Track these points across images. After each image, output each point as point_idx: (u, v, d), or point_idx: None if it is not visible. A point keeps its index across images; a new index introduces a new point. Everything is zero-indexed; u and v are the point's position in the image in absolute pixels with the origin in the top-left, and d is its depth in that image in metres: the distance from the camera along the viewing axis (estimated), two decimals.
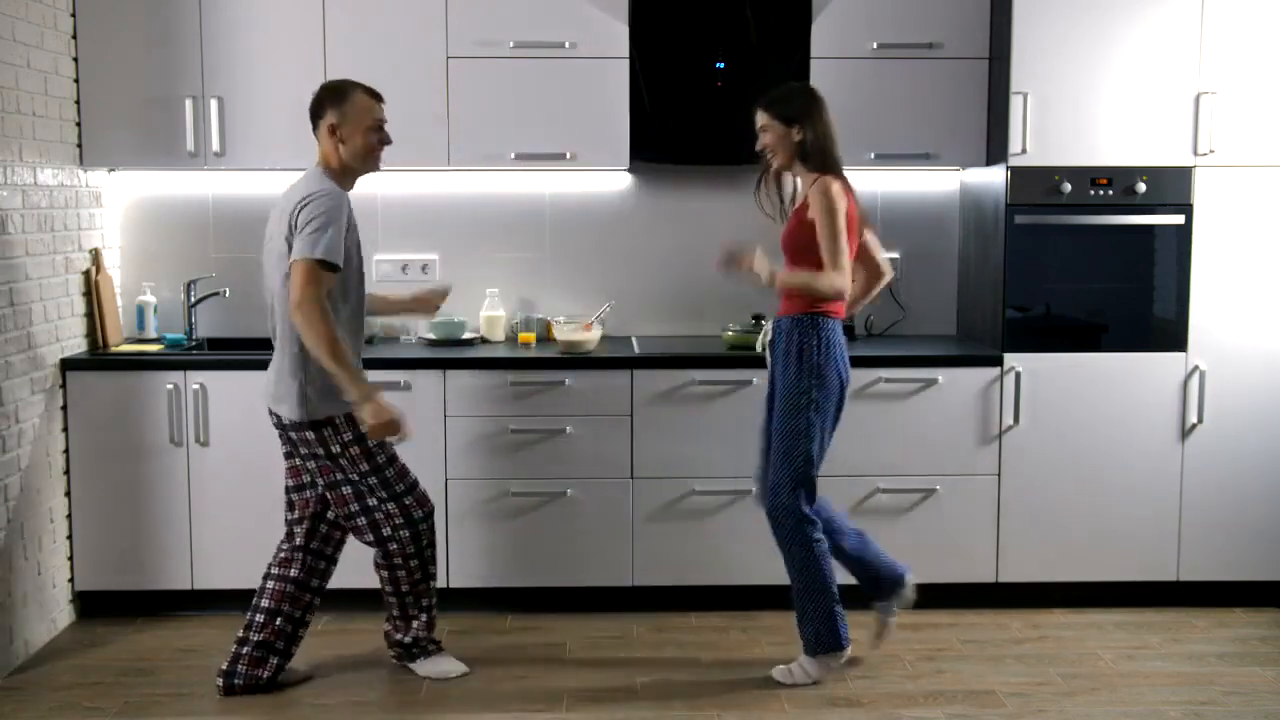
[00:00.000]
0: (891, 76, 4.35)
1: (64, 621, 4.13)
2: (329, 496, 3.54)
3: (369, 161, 3.50)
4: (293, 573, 3.58)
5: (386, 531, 3.54)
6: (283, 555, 3.61)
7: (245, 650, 3.56)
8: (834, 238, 3.47)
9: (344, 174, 3.49)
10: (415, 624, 3.69)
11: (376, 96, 3.51)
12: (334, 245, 3.30)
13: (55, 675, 3.75)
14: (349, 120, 3.44)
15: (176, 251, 4.62)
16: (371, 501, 3.52)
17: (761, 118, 3.61)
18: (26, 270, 3.87)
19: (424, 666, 3.71)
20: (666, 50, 4.37)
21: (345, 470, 3.49)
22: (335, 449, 3.46)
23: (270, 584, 3.58)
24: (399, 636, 3.72)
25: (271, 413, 3.52)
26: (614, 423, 4.17)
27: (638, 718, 3.46)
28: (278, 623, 3.57)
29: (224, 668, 3.57)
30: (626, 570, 4.22)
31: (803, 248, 3.55)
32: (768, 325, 3.75)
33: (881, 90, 4.36)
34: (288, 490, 3.62)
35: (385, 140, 3.51)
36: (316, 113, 3.48)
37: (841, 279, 3.49)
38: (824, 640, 3.62)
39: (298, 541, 3.59)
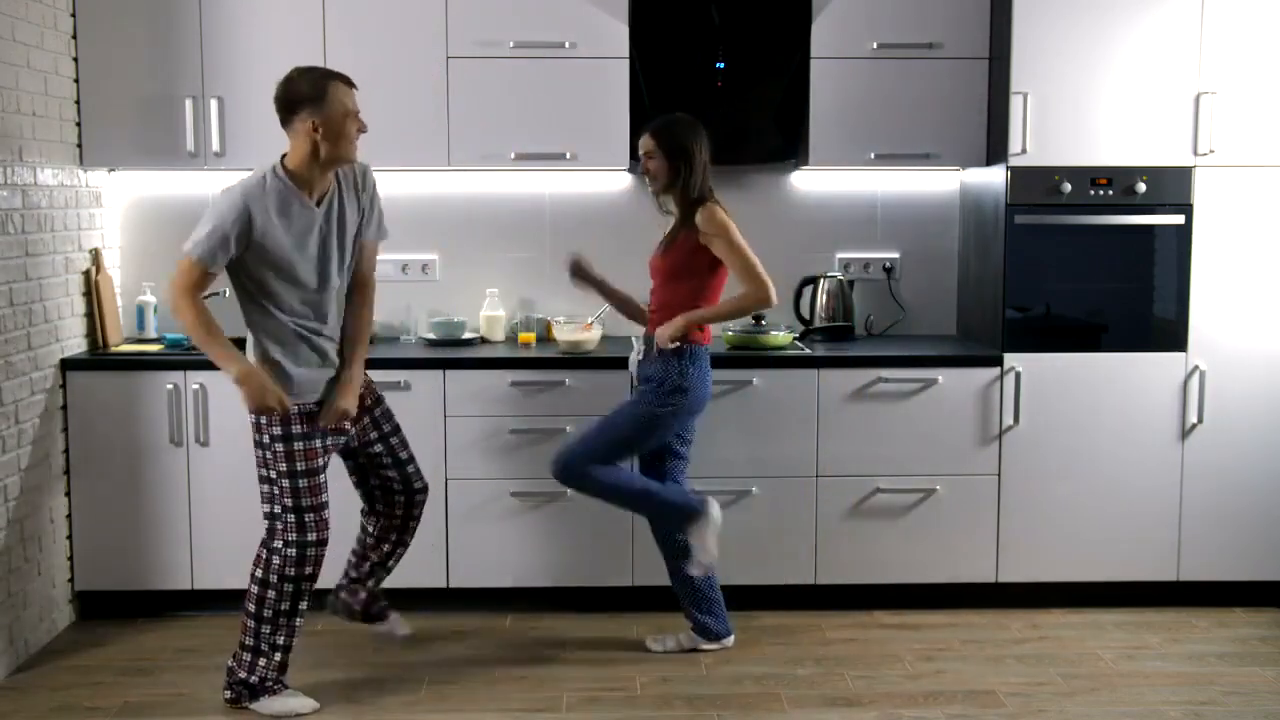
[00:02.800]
0: (891, 76, 4.35)
1: (64, 621, 4.13)
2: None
3: (350, 152, 3.37)
4: (370, 527, 3.79)
5: (277, 543, 3.42)
6: (363, 517, 3.82)
7: (343, 581, 3.79)
8: (746, 253, 3.64)
9: (323, 167, 3.35)
10: (262, 662, 3.44)
11: (350, 83, 3.38)
12: (204, 243, 3.32)
13: (55, 675, 3.75)
14: (332, 116, 3.29)
15: (176, 251, 4.60)
16: (277, 508, 3.43)
17: (647, 144, 3.73)
18: (26, 270, 3.87)
19: (266, 705, 3.45)
20: (666, 50, 4.37)
21: (267, 465, 3.43)
22: (265, 439, 3.42)
23: (359, 534, 3.80)
24: (242, 675, 3.45)
25: None
26: None
27: (638, 718, 3.46)
28: (367, 566, 3.78)
29: (330, 596, 3.81)
30: (626, 570, 4.22)
31: (687, 272, 3.71)
32: (638, 344, 3.85)
33: (881, 90, 4.36)
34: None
35: (362, 128, 3.39)
36: (290, 109, 3.31)
37: (769, 284, 3.65)
38: (683, 514, 3.73)
39: (364, 507, 3.79)
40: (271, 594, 3.42)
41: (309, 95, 3.30)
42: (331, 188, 3.44)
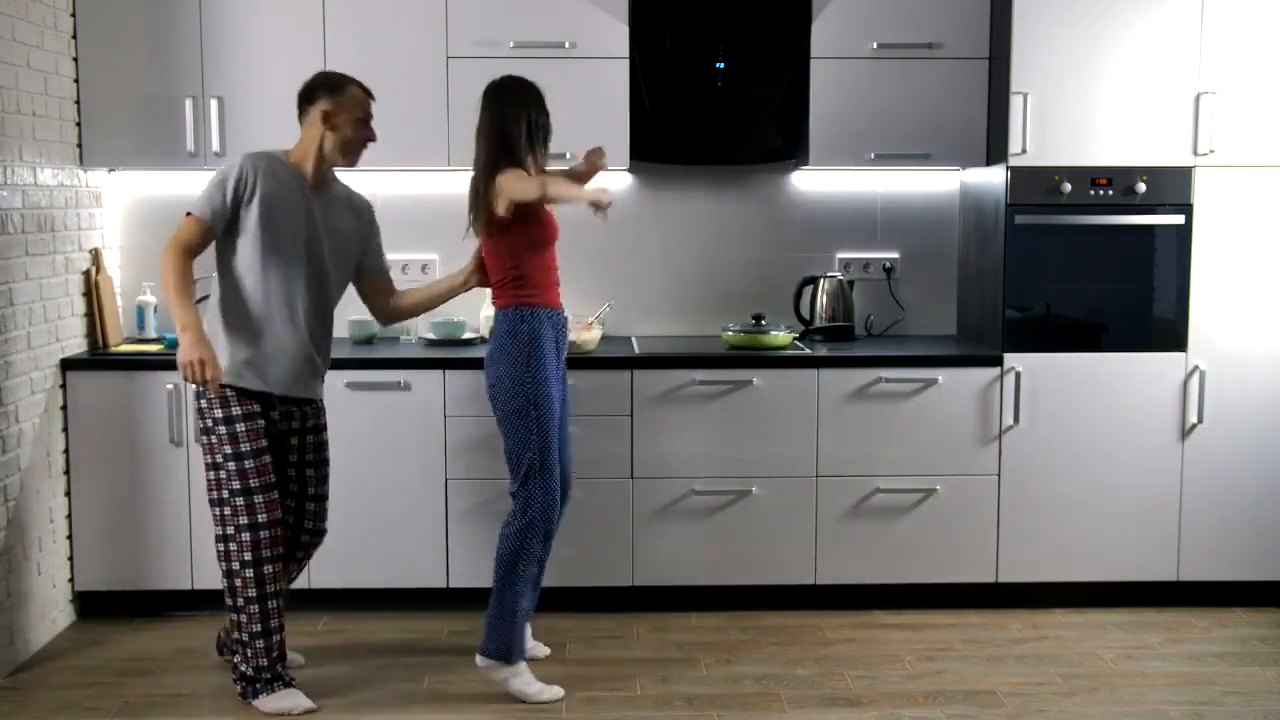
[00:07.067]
0: (891, 76, 4.35)
1: (64, 621, 4.13)
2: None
3: (352, 154, 3.51)
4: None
5: (230, 529, 3.40)
6: None
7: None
8: None
9: (318, 164, 3.49)
10: (249, 654, 3.44)
11: (369, 93, 3.55)
12: (204, 200, 3.38)
13: (55, 675, 3.75)
14: (344, 109, 3.47)
15: None
16: (225, 493, 3.41)
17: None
18: (26, 270, 3.87)
19: (265, 702, 3.45)
20: (666, 50, 4.37)
21: (213, 450, 3.43)
22: (209, 422, 3.42)
23: None
24: (243, 668, 3.46)
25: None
26: (614, 423, 4.17)
27: (638, 718, 3.46)
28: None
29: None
30: (626, 570, 4.22)
31: None
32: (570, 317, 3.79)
33: (881, 90, 4.36)
34: None
35: (371, 136, 3.54)
36: (308, 99, 3.49)
37: None
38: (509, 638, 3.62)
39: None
40: (237, 582, 3.41)
41: (328, 85, 3.50)
42: (329, 187, 3.55)
